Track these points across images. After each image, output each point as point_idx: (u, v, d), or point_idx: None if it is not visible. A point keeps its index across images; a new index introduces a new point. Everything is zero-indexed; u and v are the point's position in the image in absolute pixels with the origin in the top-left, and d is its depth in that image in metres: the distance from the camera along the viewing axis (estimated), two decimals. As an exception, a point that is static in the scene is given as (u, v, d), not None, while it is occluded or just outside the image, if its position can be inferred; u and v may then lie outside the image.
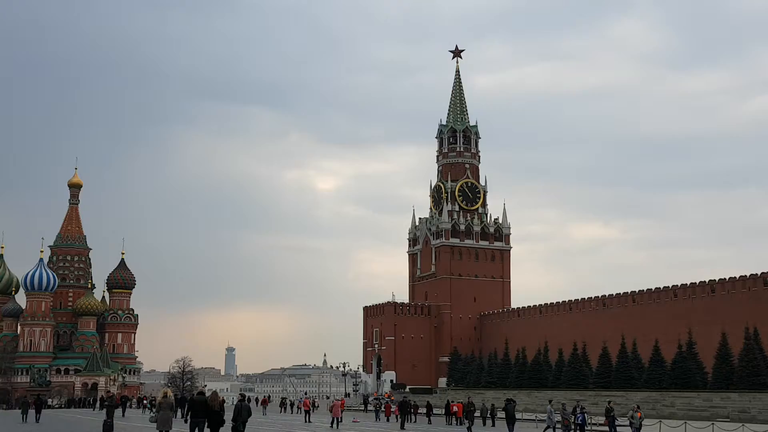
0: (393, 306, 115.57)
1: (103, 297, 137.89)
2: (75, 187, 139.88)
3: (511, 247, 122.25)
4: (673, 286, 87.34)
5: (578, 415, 34.62)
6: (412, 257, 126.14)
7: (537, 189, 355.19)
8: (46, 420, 51.24)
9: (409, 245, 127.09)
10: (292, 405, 76.18)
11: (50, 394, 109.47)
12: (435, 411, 56.72)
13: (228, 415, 25.23)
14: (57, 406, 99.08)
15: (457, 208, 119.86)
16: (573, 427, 34.51)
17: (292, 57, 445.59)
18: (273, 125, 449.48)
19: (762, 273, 77.45)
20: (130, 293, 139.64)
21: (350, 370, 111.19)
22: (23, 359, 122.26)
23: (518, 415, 56.38)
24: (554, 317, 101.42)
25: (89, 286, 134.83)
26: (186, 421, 24.31)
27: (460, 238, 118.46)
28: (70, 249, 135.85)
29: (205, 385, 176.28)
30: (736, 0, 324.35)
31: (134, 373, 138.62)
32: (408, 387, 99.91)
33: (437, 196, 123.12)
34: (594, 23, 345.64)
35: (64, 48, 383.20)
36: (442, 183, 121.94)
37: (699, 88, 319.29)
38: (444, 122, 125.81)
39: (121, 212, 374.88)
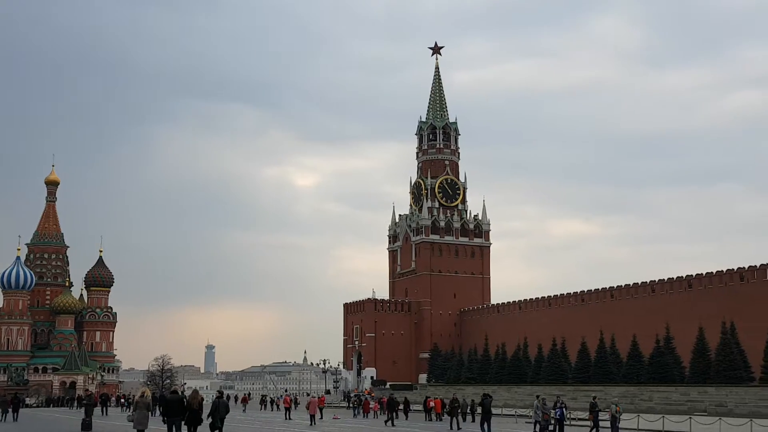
0: (373, 303, 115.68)
1: (81, 295, 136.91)
2: (52, 185, 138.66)
3: (490, 244, 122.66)
4: (650, 281, 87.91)
5: (557, 410, 34.69)
6: (392, 254, 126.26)
7: (517, 185, 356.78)
8: (25, 419, 50.86)
9: (389, 242, 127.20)
10: (272, 402, 76.02)
11: (28, 393, 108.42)
12: (413, 407, 56.54)
13: (205, 413, 25.07)
14: (35, 405, 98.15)
15: (437, 204, 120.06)
16: (552, 422, 34.67)
17: (273, 54, 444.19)
18: (253, 122, 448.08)
19: (738, 268, 78.16)
20: (109, 291, 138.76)
21: (331, 367, 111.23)
22: (0, 358, 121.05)
23: (498, 411, 56.85)
24: (533, 313, 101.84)
25: (67, 284, 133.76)
26: (164, 421, 24.17)
27: (440, 234, 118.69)
28: (47, 247, 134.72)
29: (185, 383, 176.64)
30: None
31: (113, 372, 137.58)
32: (388, 383, 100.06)
33: (417, 192, 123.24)
34: (574, 20, 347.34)
35: (43, 44, 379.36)
36: (422, 180, 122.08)
37: (679, 85, 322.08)
38: (424, 119, 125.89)
39: (100, 210, 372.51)
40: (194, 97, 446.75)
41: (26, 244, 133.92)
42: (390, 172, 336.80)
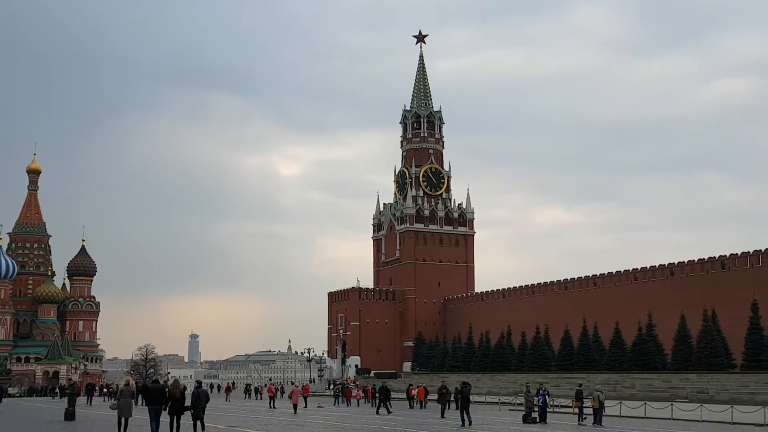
0: (358, 291, 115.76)
1: (64, 284, 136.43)
2: (34, 173, 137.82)
3: (475, 232, 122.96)
4: (633, 269, 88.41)
5: (539, 398, 34.82)
6: (377, 243, 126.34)
7: (501, 174, 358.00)
8: (7, 408, 50.56)
9: (374, 231, 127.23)
10: (256, 391, 75.91)
11: (11, 383, 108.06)
12: (394, 395, 56.38)
13: (188, 403, 25.09)
14: (18, 394, 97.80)
15: (421, 193, 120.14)
16: (536, 408, 34.82)
17: (255, 42, 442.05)
18: (236, 111, 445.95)
19: (720, 256, 78.73)
20: (91, 280, 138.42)
21: (315, 355, 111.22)
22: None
23: (482, 399, 57.20)
24: (517, 301, 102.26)
25: (49, 273, 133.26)
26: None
27: (424, 223, 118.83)
28: (29, 236, 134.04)
29: (168, 372, 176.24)
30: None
31: (96, 361, 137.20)
32: (373, 372, 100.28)
33: (401, 181, 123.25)
34: (558, 9, 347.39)
35: (24, 32, 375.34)
36: (407, 168, 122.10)
37: (661, 74, 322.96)
38: (408, 108, 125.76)
39: (82, 199, 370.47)
40: (177, 86, 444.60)
41: (8, 233, 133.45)
42: (374, 161, 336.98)
